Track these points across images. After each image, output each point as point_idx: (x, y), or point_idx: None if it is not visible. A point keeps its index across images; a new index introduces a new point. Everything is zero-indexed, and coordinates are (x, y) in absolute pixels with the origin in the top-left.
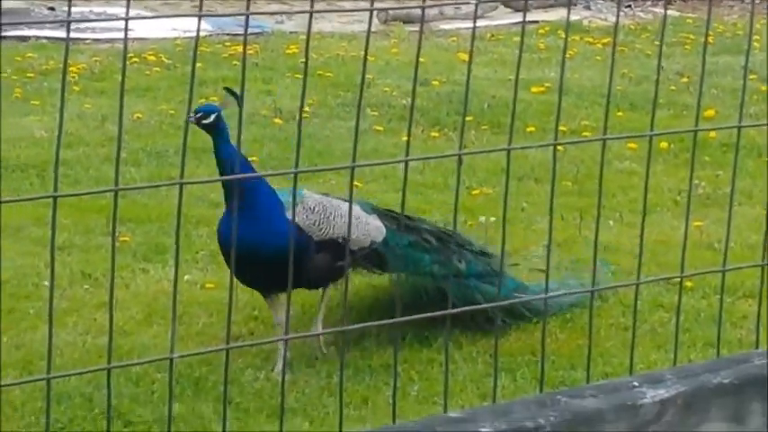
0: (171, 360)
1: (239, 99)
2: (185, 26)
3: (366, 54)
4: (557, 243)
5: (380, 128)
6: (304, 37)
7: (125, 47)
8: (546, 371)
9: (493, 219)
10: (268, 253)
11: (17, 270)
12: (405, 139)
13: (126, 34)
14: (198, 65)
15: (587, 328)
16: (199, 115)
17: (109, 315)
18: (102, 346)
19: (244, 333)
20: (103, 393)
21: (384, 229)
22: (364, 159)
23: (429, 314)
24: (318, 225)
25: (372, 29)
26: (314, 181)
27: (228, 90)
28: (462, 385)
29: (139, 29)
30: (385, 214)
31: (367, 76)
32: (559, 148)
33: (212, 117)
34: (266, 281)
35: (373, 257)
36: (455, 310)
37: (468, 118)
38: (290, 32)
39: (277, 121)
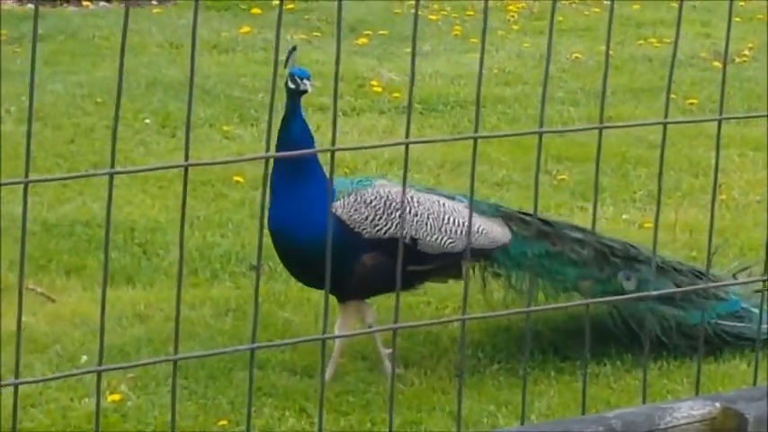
0: (323, 341)
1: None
2: None
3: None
4: None
5: None
6: None
7: None
8: None
9: None
10: (298, 243)
11: None
12: None
13: None
14: (635, 6)
15: None
16: (307, 79)
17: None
18: None
19: None
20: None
21: (502, 236)
22: None
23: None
24: (372, 220)
25: None
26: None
27: (291, 51)
28: None
29: None
30: (514, 218)
31: None
32: None
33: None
34: (303, 275)
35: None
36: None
37: None
38: None
39: (716, 64)
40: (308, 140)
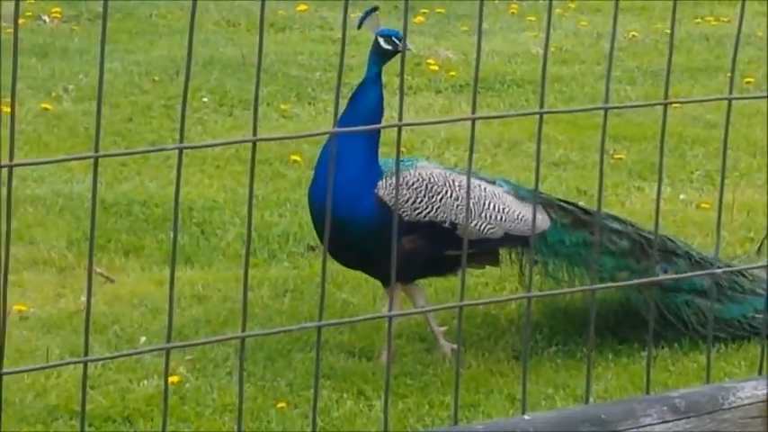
0: (389, 318)
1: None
2: None
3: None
4: None
5: None
6: None
7: None
8: None
9: None
10: (339, 221)
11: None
12: None
13: None
14: None
15: None
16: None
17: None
18: None
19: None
20: None
21: (541, 222)
22: None
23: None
24: (413, 203)
25: None
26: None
27: (371, 12)
28: None
29: None
30: (554, 205)
31: None
32: None
33: None
34: (345, 256)
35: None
36: None
37: None
38: None
39: None
40: (381, 112)
